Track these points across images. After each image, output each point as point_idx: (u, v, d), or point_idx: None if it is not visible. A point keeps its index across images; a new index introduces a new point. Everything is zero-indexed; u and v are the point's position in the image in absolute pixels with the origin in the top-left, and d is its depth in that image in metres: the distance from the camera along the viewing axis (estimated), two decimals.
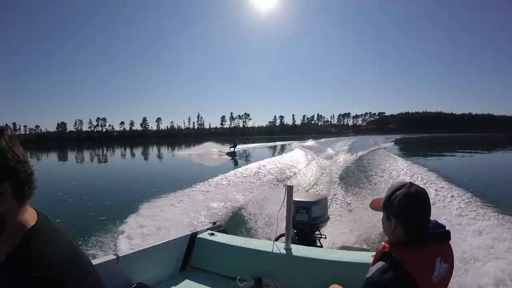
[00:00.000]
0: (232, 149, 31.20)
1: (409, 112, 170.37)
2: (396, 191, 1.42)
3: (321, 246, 4.46)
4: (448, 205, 7.34)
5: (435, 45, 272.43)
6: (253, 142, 51.48)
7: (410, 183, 1.43)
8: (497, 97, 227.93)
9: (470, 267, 4.04)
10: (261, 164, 14.50)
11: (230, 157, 27.15)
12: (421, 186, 1.43)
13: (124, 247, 5.09)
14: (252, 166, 13.86)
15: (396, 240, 1.41)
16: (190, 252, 3.17)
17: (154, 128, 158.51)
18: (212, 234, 3.25)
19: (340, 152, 21.49)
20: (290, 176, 12.23)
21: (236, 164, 18.98)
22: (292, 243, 2.96)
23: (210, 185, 10.18)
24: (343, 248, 4.55)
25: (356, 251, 2.87)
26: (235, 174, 11.99)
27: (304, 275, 2.67)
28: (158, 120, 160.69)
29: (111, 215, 7.28)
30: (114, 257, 2.48)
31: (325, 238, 4.63)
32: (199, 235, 3.23)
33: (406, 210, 1.37)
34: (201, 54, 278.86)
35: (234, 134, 37.06)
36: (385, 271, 1.31)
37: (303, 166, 14.93)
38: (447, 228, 1.45)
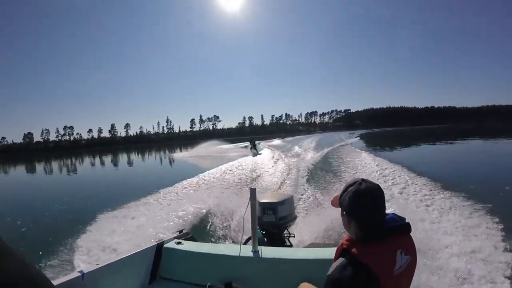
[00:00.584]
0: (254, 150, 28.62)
1: (374, 108, 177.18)
2: (348, 188, 1.45)
3: (291, 245, 4.51)
4: (411, 196, 7.48)
5: (398, 42, 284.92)
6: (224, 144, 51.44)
7: (362, 179, 1.45)
8: (458, 90, 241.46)
9: (436, 256, 4.10)
10: (227, 166, 14.44)
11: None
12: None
13: (89, 263, 4.83)
14: (218, 169, 13.70)
15: (353, 236, 1.43)
16: (158, 262, 3.10)
17: (123, 134, 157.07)
18: (179, 243, 3.18)
19: (307, 150, 21.59)
20: (257, 177, 12.14)
21: (202, 168, 18.63)
22: (261, 244, 2.94)
23: (175, 191, 9.92)
24: (313, 245, 4.56)
25: (326, 247, 2.87)
26: (201, 178, 11.80)
27: (274, 275, 2.67)
28: (127, 126, 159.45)
29: (74, 230, 6.78)
30: (79, 274, 2.39)
31: (294, 237, 4.65)
32: (166, 245, 3.17)
33: (356, 206, 1.40)
34: (168, 57, 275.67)
35: (251, 137, 35.66)
36: (345, 267, 1.32)
37: (269, 166, 14.90)
38: (407, 221, 1.46)
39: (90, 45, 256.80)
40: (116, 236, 5.93)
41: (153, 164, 34.68)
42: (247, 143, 30.12)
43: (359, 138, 44.94)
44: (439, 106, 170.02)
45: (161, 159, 39.96)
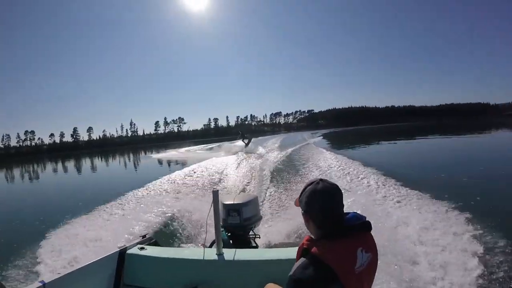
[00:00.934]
0: (245, 141, 28.04)
1: (336, 108, 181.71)
2: (307, 187, 1.47)
3: (257, 246, 4.51)
4: (371, 193, 7.67)
5: (357, 44, 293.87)
6: (189, 145, 50.79)
7: (320, 179, 1.48)
8: (416, 90, 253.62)
9: (395, 250, 4.19)
10: (191, 169, 14.23)
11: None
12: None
13: (50, 272, 4.61)
14: (181, 172, 13.49)
15: (314, 235, 1.46)
16: (121, 269, 3.02)
17: (86, 138, 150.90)
18: (142, 248, 3.11)
19: (271, 151, 21.58)
20: (221, 179, 12.03)
21: (165, 171, 18.20)
22: (226, 247, 2.93)
23: (138, 195, 9.65)
24: (279, 245, 4.60)
25: (291, 247, 2.90)
26: (164, 181, 11.54)
27: (239, 277, 2.67)
28: (90, 129, 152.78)
29: (35, 238, 6.44)
30: (40, 284, 2.33)
31: (259, 237, 4.65)
32: (129, 251, 3.09)
33: (312, 206, 1.43)
34: (130, 58, 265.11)
35: (240, 129, 35.08)
36: (306, 267, 1.33)
37: (233, 167, 14.82)
38: (369, 219, 1.49)
39: (48, 45, 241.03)
40: (78, 243, 5.75)
41: (117, 168, 33.69)
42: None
43: (321, 137, 45.82)
44: (399, 106, 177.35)
45: (125, 163, 38.92)
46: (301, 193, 1.49)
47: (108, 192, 11.19)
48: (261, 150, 22.41)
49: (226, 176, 12.46)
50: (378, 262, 1.50)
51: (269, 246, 4.85)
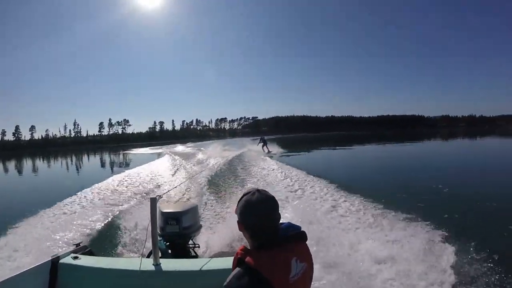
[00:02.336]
0: (265, 148, 27.34)
1: (279, 116, 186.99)
2: (243, 197, 1.47)
3: (196, 256, 4.42)
4: (311, 200, 7.94)
5: (301, 53, 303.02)
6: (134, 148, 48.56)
7: (257, 190, 1.47)
8: (356, 101, 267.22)
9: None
10: (129, 173, 13.71)
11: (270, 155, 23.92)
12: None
13: None
14: (120, 176, 12.90)
15: (249, 244, 1.46)
16: (54, 280, 2.80)
17: (28, 137, 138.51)
18: (76, 258, 2.92)
19: (211, 157, 21.23)
20: (160, 185, 11.70)
21: (106, 174, 17.10)
22: (164, 256, 2.91)
23: (72, 201, 9.08)
24: (219, 255, 4.58)
25: (231, 256, 2.93)
26: (102, 186, 10.98)
27: None
28: (32, 128, 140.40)
29: None
30: None
31: (199, 247, 4.61)
32: (61, 260, 2.88)
33: (246, 216, 1.43)
34: (74, 55, 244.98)
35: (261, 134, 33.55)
36: (240, 277, 1.33)
37: (172, 173, 14.49)
38: (308, 227, 1.55)
39: None
40: (5, 251, 5.30)
41: (56, 171, 31.26)
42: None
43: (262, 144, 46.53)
44: (338, 116, 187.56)
45: (67, 166, 36.11)
46: (238, 202, 1.49)
47: (39, 197, 10.67)
48: (201, 156, 22.01)
49: (165, 183, 12.12)
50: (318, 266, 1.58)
51: (209, 255, 4.82)
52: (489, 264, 4.44)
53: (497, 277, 4.15)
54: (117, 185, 11.20)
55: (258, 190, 1.47)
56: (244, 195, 1.48)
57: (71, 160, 45.49)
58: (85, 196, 9.63)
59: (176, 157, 22.13)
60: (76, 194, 9.86)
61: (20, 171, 32.83)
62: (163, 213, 4.10)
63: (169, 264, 2.76)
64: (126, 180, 12.10)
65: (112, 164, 28.39)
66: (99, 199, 9.22)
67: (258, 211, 1.41)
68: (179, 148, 34.10)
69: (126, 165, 27.18)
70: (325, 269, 4.01)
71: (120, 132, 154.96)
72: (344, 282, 3.85)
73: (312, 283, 1.55)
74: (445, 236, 5.32)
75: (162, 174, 14.36)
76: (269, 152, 25.97)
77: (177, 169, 15.98)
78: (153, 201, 2.76)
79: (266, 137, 29.35)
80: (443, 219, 6.49)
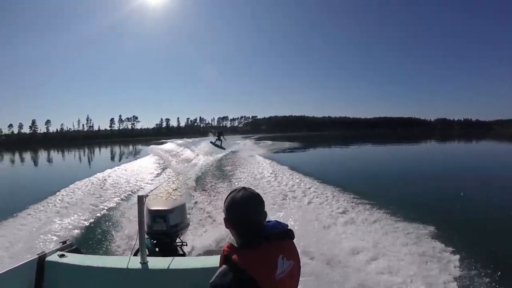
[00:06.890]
0: (218, 142, 26.90)
1: (278, 115, 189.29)
2: (229, 195, 1.49)
3: (184, 254, 4.38)
4: (300, 198, 7.92)
5: (297, 54, 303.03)
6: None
7: (243, 187, 1.49)
8: (351, 102, 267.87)
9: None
10: (117, 170, 13.49)
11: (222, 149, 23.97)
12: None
13: None
14: (106, 173, 12.61)
15: (236, 242, 1.47)
16: (40, 278, 2.77)
17: (44, 131, 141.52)
18: (62, 256, 2.89)
19: (200, 154, 20.74)
20: (148, 183, 11.47)
21: (92, 171, 16.65)
22: (152, 255, 2.89)
23: (59, 198, 8.89)
24: (206, 253, 4.56)
25: (218, 255, 2.87)
26: (88, 183, 10.75)
27: (163, 287, 2.61)
28: (48, 122, 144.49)
29: None
30: None
31: (186, 245, 4.55)
32: (48, 258, 2.85)
33: (231, 214, 1.45)
34: (80, 55, 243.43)
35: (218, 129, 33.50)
36: (226, 274, 1.34)
37: (160, 171, 14.28)
38: (289, 227, 1.51)
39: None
40: None
41: (47, 165, 30.44)
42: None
43: (253, 142, 45.08)
44: (335, 116, 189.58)
45: (63, 158, 36.14)
46: (225, 200, 1.51)
47: (25, 193, 10.40)
48: (189, 153, 21.45)
49: (152, 180, 11.96)
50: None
51: (197, 253, 4.80)
52: (488, 264, 4.50)
53: (494, 277, 4.22)
54: (105, 182, 11.00)
55: (244, 188, 1.49)
56: (230, 192, 1.49)
57: (74, 154, 44.15)
58: (72, 193, 9.45)
59: (164, 155, 21.40)
60: (64, 190, 9.70)
61: (13, 165, 32.09)
62: (150, 211, 4.05)
63: (156, 262, 2.74)
64: (114, 177, 11.90)
65: (103, 159, 27.77)
66: (86, 196, 9.05)
67: (242, 208, 1.43)
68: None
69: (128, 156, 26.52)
70: (318, 266, 4.01)
71: (129, 127, 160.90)
72: (336, 280, 3.86)
73: (301, 278, 1.55)
74: (434, 233, 5.50)
75: (150, 171, 14.18)
76: (221, 146, 25.64)
77: (165, 166, 15.75)
78: (141, 199, 2.74)
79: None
80: (432, 215, 6.77)
